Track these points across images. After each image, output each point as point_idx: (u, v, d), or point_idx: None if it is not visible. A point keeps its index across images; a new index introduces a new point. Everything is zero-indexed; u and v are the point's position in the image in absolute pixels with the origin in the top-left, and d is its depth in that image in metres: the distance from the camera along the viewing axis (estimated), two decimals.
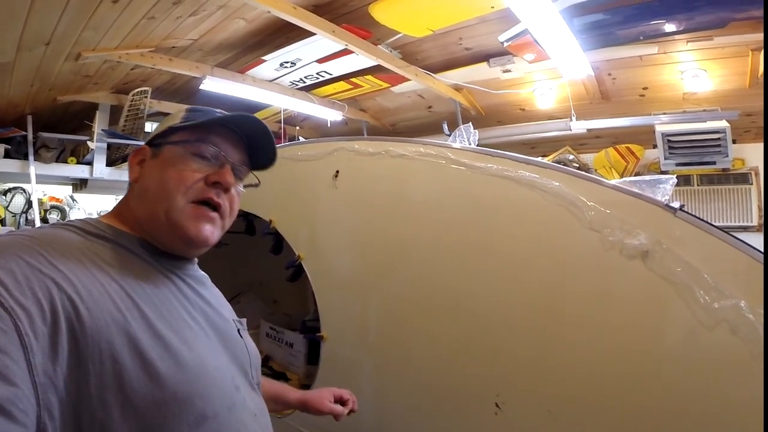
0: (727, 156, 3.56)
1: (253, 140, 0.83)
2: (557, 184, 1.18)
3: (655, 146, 3.76)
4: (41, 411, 0.50)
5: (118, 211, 0.77)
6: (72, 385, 0.54)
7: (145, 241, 0.74)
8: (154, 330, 0.62)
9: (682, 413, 0.98)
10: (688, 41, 2.88)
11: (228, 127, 0.80)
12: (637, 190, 1.14)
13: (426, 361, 1.42)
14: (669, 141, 3.61)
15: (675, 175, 3.64)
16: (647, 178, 1.20)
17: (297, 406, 1.08)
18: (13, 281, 0.53)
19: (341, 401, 1.11)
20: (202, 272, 0.85)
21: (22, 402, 0.48)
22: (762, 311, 0.89)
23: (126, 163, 4.00)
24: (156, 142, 0.78)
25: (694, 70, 3.16)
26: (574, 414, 1.13)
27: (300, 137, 4.90)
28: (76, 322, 0.55)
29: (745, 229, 3.58)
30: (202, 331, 0.72)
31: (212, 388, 0.66)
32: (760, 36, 2.63)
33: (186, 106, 0.83)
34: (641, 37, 2.87)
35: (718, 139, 3.46)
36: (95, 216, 0.78)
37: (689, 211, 1.06)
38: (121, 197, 0.81)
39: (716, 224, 1.02)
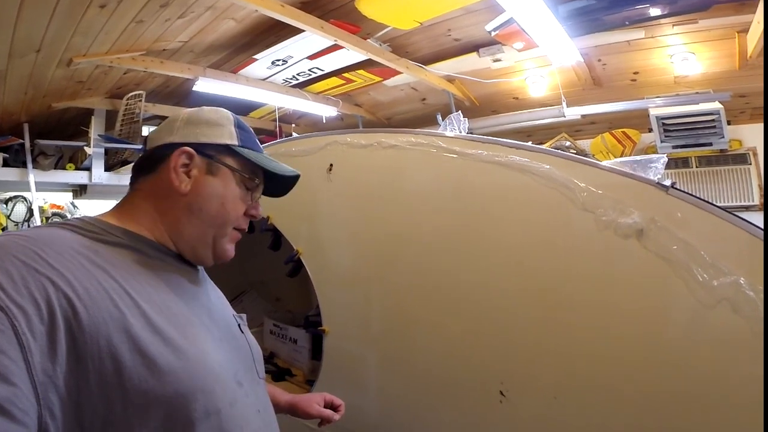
0: (723, 137, 3.55)
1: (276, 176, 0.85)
2: (548, 167, 1.18)
3: (650, 130, 3.75)
4: (42, 410, 0.50)
5: (125, 211, 0.75)
6: (72, 384, 0.54)
7: (151, 240, 0.73)
8: (154, 326, 0.61)
9: (686, 394, 0.98)
10: (673, 25, 2.88)
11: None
12: (629, 170, 1.14)
13: (427, 351, 1.42)
14: (664, 124, 3.60)
15: (673, 158, 3.67)
16: (638, 158, 1.21)
17: (286, 409, 1.05)
18: (10, 281, 0.53)
19: (332, 406, 1.08)
20: (200, 268, 0.85)
21: (21, 401, 0.48)
22: (762, 288, 0.88)
23: (125, 168, 4.03)
24: (208, 153, 0.77)
25: (683, 54, 3.15)
26: (579, 398, 1.12)
27: (294, 134, 4.89)
28: (73, 321, 0.54)
29: (747, 208, 3.57)
30: (203, 326, 0.71)
31: (214, 384, 0.65)
32: (745, 18, 2.62)
33: (232, 117, 0.83)
34: (627, 22, 2.87)
35: (713, 120, 3.46)
36: None
37: (685, 190, 1.05)
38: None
39: (718, 204, 1.01)
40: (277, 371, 2.13)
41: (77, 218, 0.71)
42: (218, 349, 0.71)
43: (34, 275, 0.55)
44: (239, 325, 0.85)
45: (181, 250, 0.76)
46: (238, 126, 0.82)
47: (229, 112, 0.84)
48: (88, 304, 0.56)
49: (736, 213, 0.98)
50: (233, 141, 0.79)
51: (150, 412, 0.58)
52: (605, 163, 1.18)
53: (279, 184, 0.88)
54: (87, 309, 0.56)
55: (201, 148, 0.76)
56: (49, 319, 0.53)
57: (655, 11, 2.73)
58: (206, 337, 0.70)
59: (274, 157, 0.88)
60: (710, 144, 3.65)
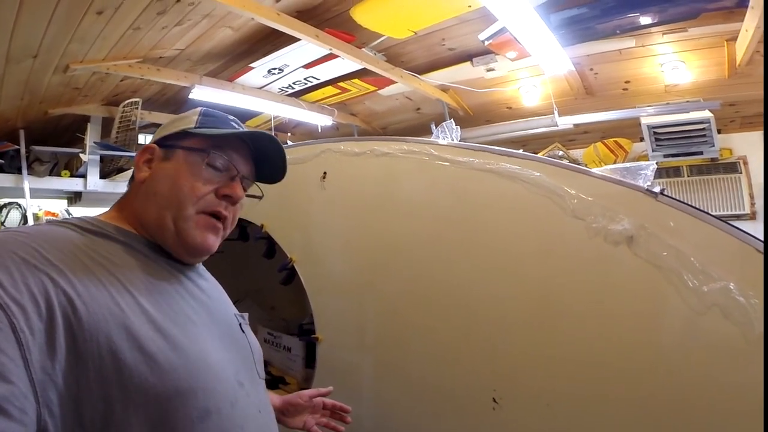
0: (714, 146, 3.59)
1: (263, 153, 0.83)
2: (538, 174, 1.19)
3: (642, 139, 3.78)
4: (41, 408, 0.50)
5: (117, 209, 0.77)
6: (72, 381, 0.53)
7: (144, 238, 0.73)
8: (155, 323, 0.61)
9: (678, 400, 0.98)
10: (663, 33, 2.92)
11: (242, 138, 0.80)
12: (618, 177, 1.15)
13: (421, 359, 1.41)
14: (655, 133, 3.63)
15: (665, 167, 3.69)
16: (628, 165, 1.23)
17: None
18: (9, 278, 0.52)
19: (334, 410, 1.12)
20: (202, 266, 0.84)
21: (18, 399, 0.47)
22: (754, 293, 0.89)
23: (120, 175, 4.02)
24: (167, 143, 0.77)
25: (673, 63, 3.19)
26: (572, 406, 1.12)
27: (288, 142, 4.91)
28: (73, 318, 0.54)
29: (738, 217, 3.59)
30: (204, 325, 0.71)
31: (215, 383, 0.65)
32: (733, 26, 2.66)
33: (200, 109, 0.82)
34: (618, 31, 2.91)
35: (703, 129, 3.49)
36: None
37: (674, 197, 1.06)
38: None
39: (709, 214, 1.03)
40: (270, 379, 2.12)
41: (77, 218, 0.71)
42: (219, 349, 0.70)
43: (34, 272, 0.54)
44: (240, 324, 0.83)
45: (160, 243, 0.74)
46: (204, 114, 0.81)
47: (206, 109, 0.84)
48: (87, 301, 0.56)
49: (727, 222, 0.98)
50: (190, 125, 0.79)
51: (150, 409, 0.57)
52: (595, 170, 1.19)
53: (268, 165, 0.85)
54: (87, 306, 0.56)
55: (162, 141, 0.78)
56: (48, 316, 0.52)
57: (645, 20, 2.76)
58: (207, 336, 0.70)
59: None
60: (701, 153, 3.67)
